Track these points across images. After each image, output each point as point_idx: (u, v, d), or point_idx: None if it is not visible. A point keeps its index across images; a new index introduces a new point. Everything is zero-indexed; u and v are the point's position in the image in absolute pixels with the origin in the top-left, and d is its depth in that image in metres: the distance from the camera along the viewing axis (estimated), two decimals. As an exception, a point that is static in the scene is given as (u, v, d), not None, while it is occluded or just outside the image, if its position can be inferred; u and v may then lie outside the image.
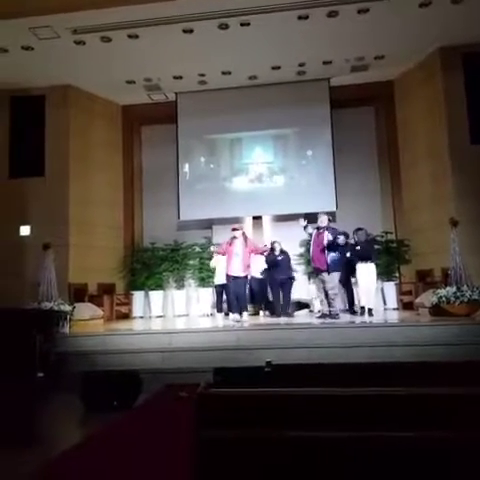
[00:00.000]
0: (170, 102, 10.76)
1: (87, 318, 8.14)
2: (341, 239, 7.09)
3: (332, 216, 9.45)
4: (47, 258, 7.88)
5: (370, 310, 7.57)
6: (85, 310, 8.31)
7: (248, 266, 7.70)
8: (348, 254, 7.62)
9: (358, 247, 7.59)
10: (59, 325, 7.01)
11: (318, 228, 7.34)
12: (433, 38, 8.73)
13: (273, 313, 8.38)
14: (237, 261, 7.53)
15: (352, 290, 8.25)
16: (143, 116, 11.10)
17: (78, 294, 9.06)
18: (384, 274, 9.52)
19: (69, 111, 9.92)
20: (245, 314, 7.69)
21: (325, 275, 7.19)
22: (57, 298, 7.68)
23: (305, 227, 7.54)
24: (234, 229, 7.81)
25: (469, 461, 2.01)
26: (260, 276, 8.55)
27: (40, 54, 8.51)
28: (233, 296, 7.64)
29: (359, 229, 7.83)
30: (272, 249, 8.41)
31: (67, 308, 7.48)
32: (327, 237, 7.13)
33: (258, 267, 8.48)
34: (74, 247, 9.52)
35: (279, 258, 8.29)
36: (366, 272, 7.58)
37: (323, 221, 7.33)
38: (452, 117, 8.98)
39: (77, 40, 8.20)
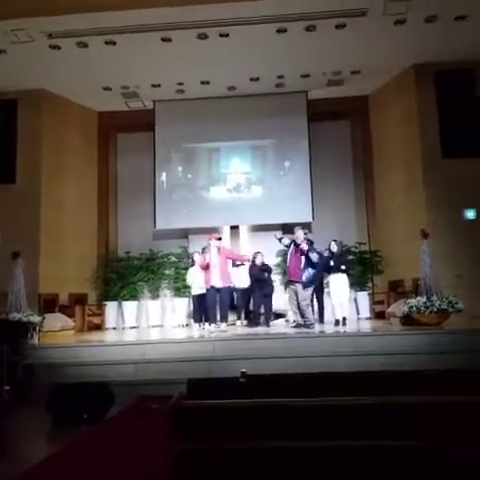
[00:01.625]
0: (148, 110, 10.74)
1: (57, 329, 7.96)
2: (314, 257, 7.22)
3: (308, 227, 9.55)
4: (16, 267, 7.67)
5: (344, 319, 7.69)
6: (55, 321, 8.13)
7: (228, 275, 7.74)
8: (332, 262, 7.74)
9: (332, 262, 7.73)
10: (28, 336, 6.84)
11: (295, 243, 7.44)
12: (407, 55, 8.98)
13: (251, 322, 8.41)
14: (216, 272, 7.57)
15: (323, 300, 8.38)
16: (120, 123, 11.03)
17: (48, 304, 8.86)
18: (357, 284, 9.67)
19: (42, 116, 9.78)
20: (223, 325, 7.70)
21: (298, 286, 7.30)
22: (26, 309, 7.48)
23: (280, 239, 7.68)
24: (219, 238, 7.88)
25: (441, 468, 2.04)
26: (244, 286, 8.54)
27: (13, 57, 8.37)
28: (213, 307, 7.65)
29: (335, 241, 7.98)
30: (254, 260, 8.44)
31: (36, 319, 7.29)
32: (303, 256, 7.25)
33: (241, 277, 8.49)
34: (45, 256, 9.33)
35: (265, 273, 8.36)
36: (338, 283, 7.72)
37: (299, 237, 7.41)
38: (424, 132, 9.23)
39: (52, 44, 8.12)
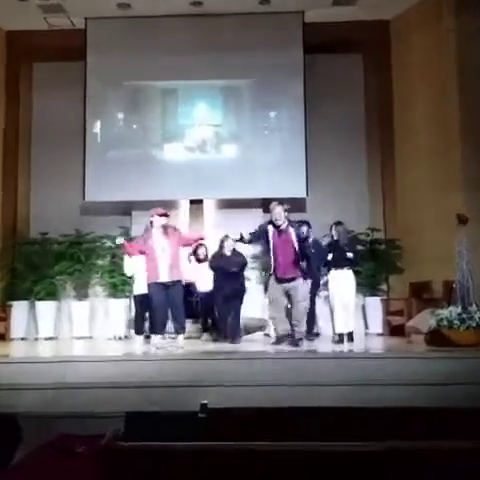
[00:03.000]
0: (77, 30, 10.60)
1: None
2: (305, 231, 7.32)
3: (301, 205, 9.66)
4: None
5: (350, 334, 7.77)
6: None
7: (179, 266, 7.70)
8: (330, 255, 7.87)
9: (331, 255, 7.84)
10: None
11: (274, 225, 7.45)
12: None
13: (219, 336, 8.42)
14: (164, 261, 7.51)
15: (314, 307, 8.49)
16: (36, 48, 10.82)
17: None
18: (367, 286, 9.77)
19: None
20: (180, 338, 7.71)
21: (295, 284, 7.34)
22: None
23: (242, 239, 7.65)
24: (162, 215, 7.75)
25: None
26: (207, 289, 8.59)
27: None
28: (162, 310, 7.65)
29: (338, 223, 8.02)
30: (221, 247, 8.45)
31: None
32: (295, 238, 7.31)
33: (204, 277, 8.54)
34: None
35: (229, 261, 8.36)
36: (343, 282, 7.79)
37: (279, 216, 7.39)
38: (465, 73, 9.26)
39: None
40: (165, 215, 7.76)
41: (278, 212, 7.38)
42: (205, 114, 10.57)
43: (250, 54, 10.41)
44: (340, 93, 10.78)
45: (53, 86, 10.88)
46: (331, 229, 8.04)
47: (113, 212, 10.62)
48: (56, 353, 7.67)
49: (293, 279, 7.34)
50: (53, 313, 10.11)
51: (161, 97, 10.63)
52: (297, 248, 7.29)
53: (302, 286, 7.35)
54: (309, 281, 7.58)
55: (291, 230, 7.37)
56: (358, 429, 2.84)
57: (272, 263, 7.52)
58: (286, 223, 7.38)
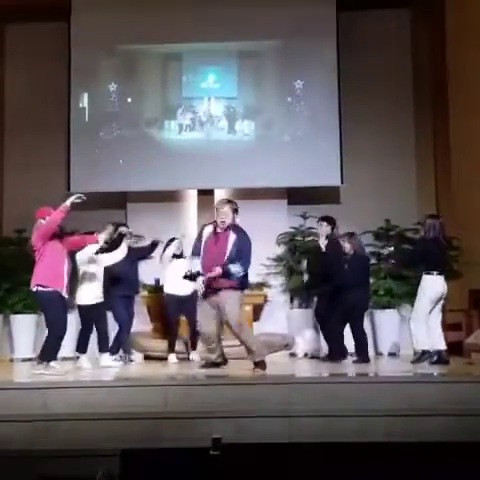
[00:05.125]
0: (59, -16, 10.64)
1: None
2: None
3: (334, 196, 9.72)
4: None
5: (439, 354, 7.74)
6: None
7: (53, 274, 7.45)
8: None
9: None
10: None
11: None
12: None
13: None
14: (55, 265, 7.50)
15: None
16: (10, 7, 10.85)
17: None
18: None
19: None
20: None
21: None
22: None
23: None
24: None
25: None
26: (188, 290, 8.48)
27: None
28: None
29: (433, 216, 8.02)
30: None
31: None
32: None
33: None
34: None
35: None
36: (439, 289, 7.80)
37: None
38: None
39: None
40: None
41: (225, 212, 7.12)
42: (217, 85, 10.57)
43: (271, 10, 10.36)
44: (381, 57, 10.74)
45: (31, 52, 10.94)
46: (427, 225, 7.92)
47: (103, 205, 10.58)
48: (35, 377, 7.69)
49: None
50: (32, 329, 10.14)
51: (162, 64, 10.68)
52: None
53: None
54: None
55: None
56: (403, 469, 2.81)
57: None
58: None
